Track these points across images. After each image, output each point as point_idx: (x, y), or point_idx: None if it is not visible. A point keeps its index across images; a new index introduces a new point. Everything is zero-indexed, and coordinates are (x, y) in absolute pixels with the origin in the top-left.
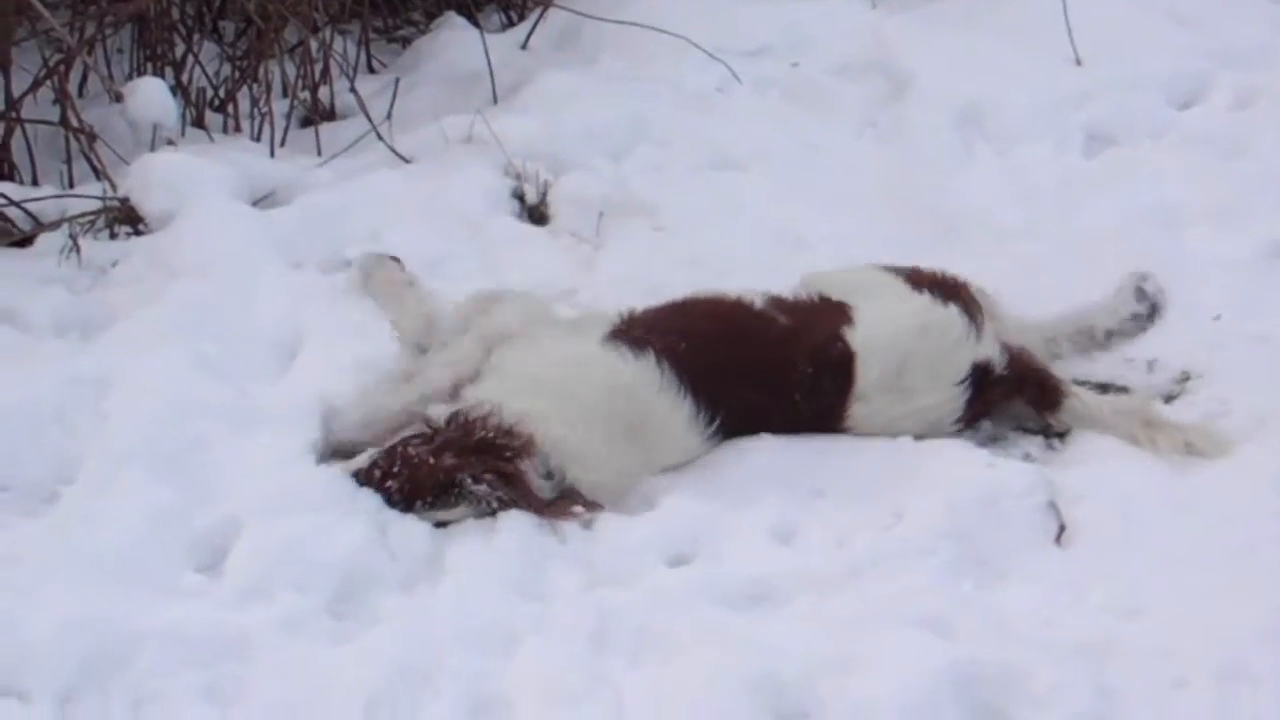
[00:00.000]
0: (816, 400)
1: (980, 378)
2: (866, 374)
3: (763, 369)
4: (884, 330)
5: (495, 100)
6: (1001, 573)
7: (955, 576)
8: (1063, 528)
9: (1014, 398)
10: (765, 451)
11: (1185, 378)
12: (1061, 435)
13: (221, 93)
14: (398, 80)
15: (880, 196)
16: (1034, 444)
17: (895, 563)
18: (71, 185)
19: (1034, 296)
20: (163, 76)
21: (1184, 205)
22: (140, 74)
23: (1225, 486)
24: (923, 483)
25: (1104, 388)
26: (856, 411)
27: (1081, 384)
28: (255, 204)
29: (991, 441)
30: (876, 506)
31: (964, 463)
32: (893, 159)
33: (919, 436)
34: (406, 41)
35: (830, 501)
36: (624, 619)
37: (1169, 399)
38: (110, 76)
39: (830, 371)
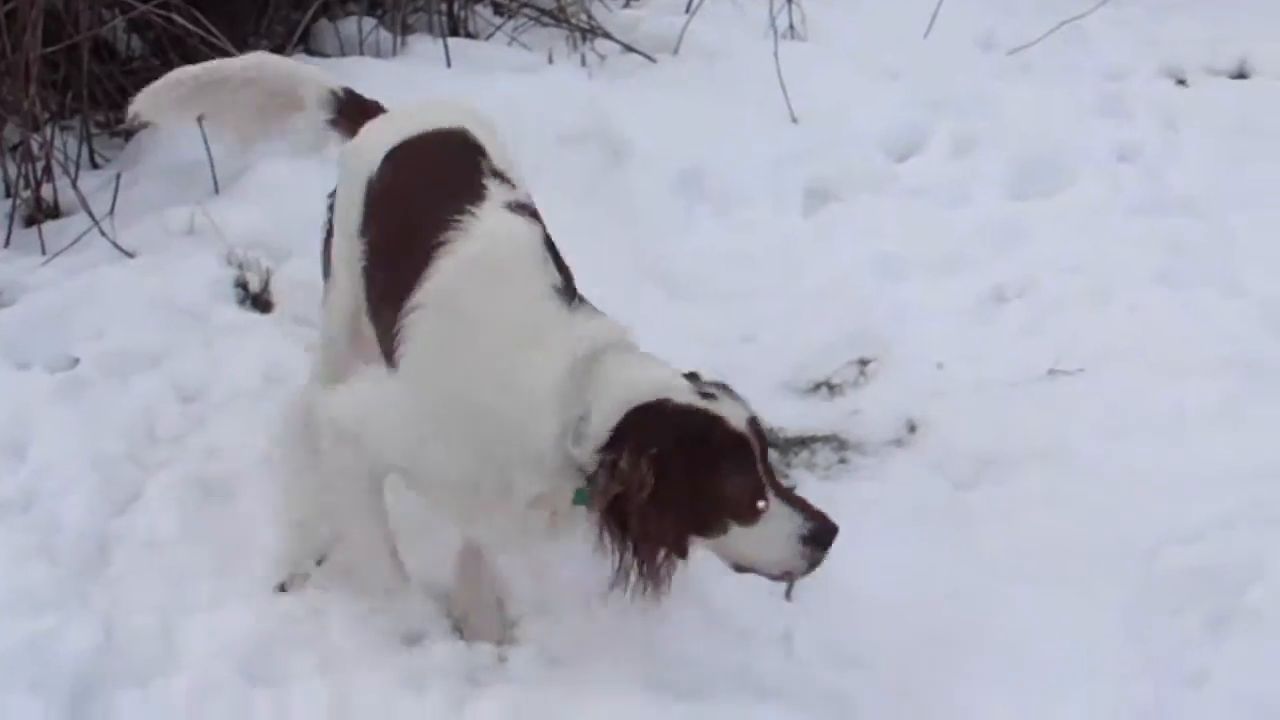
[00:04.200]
0: None
1: None
2: None
3: None
4: None
5: (217, 190)
6: None
7: None
8: None
9: None
10: None
11: (911, 426)
12: None
13: None
14: (119, 175)
15: (604, 263)
16: None
17: None
18: None
19: (758, 355)
20: None
21: (904, 257)
22: None
23: None
24: None
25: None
26: None
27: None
28: None
29: None
30: None
31: None
32: (615, 226)
33: None
34: (129, 135)
35: None
36: None
37: (898, 444)
38: None
39: None
